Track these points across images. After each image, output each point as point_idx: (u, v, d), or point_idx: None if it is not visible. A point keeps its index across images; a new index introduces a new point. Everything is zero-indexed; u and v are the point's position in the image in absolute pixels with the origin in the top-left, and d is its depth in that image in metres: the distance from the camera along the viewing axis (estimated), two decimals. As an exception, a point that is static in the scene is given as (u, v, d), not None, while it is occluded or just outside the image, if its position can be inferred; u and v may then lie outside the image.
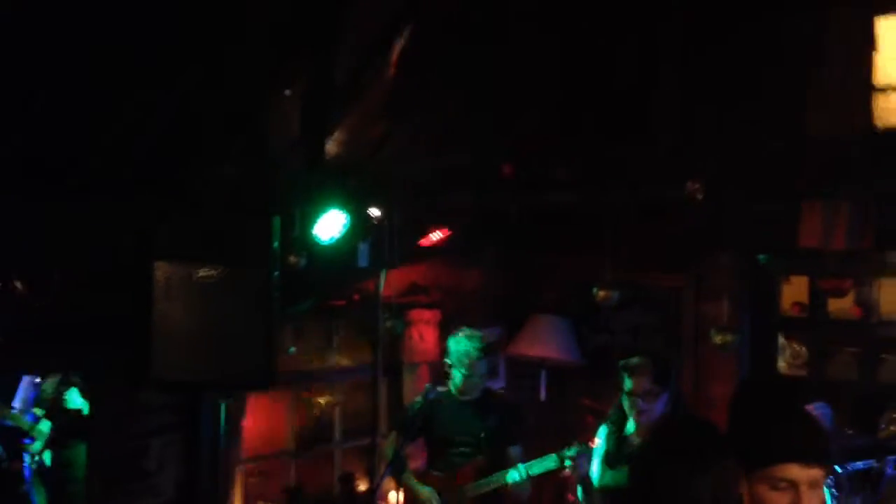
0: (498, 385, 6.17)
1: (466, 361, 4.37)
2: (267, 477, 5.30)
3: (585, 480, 4.01)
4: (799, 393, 5.37)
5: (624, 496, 1.77)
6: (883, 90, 4.81)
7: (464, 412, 4.43)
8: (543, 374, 5.95)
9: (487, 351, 4.56)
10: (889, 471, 3.96)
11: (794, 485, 1.77)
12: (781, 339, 5.74)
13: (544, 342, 5.80)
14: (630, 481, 1.90)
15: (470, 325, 4.65)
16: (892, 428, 5.27)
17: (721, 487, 1.70)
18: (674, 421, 2.00)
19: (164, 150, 3.80)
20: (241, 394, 4.51)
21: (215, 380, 3.90)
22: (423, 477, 4.48)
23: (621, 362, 3.91)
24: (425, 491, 4.41)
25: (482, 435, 4.37)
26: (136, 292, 3.72)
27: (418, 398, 4.54)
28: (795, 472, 1.77)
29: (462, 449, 4.41)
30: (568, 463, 4.12)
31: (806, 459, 1.78)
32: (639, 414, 3.77)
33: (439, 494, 4.38)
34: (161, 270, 3.78)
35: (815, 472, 1.78)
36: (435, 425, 4.44)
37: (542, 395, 5.96)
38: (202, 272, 3.81)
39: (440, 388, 4.48)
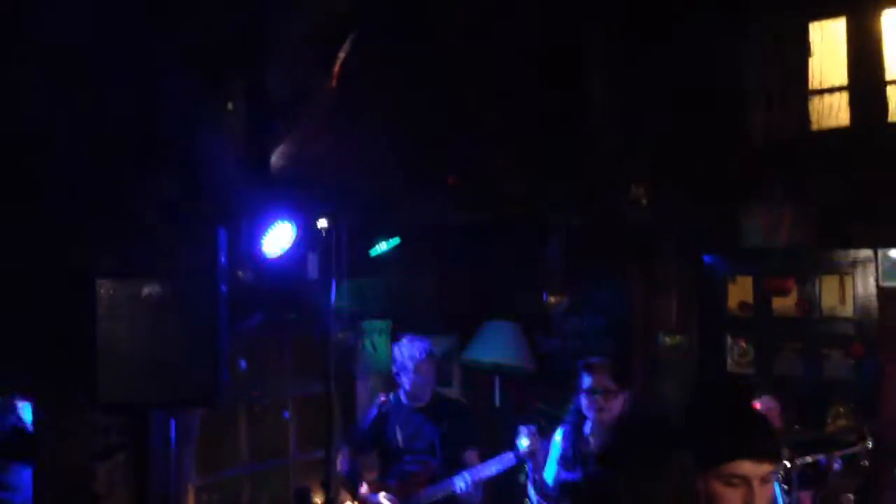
0: (452, 393, 6.19)
1: (412, 365, 4.40)
2: (222, 494, 5.23)
3: (538, 482, 3.99)
4: (748, 392, 5.47)
5: (584, 498, 1.78)
6: (818, 93, 4.95)
7: (415, 419, 4.44)
8: (497, 381, 5.98)
9: (433, 353, 4.57)
10: (836, 465, 4.06)
11: (746, 480, 1.83)
12: (729, 339, 5.84)
13: (497, 348, 5.82)
14: (590, 483, 1.93)
15: (423, 334, 4.66)
16: (838, 422, 5.41)
17: (681, 486, 1.73)
18: (632, 421, 2.02)
19: (103, 167, 3.75)
20: (191, 412, 4.44)
21: (163, 399, 3.84)
22: (377, 487, 4.47)
23: (581, 360, 3.93)
24: (380, 502, 4.39)
25: (435, 441, 4.37)
26: (79, 311, 3.65)
27: (372, 409, 4.53)
28: (748, 468, 1.83)
29: (416, 456, 4.40)
30: (522, 453, 4.02)
31: (758, 456, 1.84)
32: (598, 412, 3.77)
33: None
34: (105, 288, 3.72)
35: (767, 468, 1.84)
36: (387, 435, 4.45)
37: (497, 401, 5.98)
38: (147, 290, 3.75)
39: (391, 398, 4.48)
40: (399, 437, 4.42)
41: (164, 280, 3.75)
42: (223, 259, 3.84)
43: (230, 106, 4.01)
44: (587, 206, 4.09)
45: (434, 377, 4.58)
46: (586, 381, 3.83)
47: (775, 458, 1.88)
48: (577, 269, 5.24)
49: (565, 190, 3.78)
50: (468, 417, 4.65)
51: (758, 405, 4.20)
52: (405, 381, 4.44)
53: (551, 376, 5.72)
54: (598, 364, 3.84)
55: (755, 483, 1.83)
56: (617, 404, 3.76)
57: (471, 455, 4.40)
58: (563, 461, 3.89)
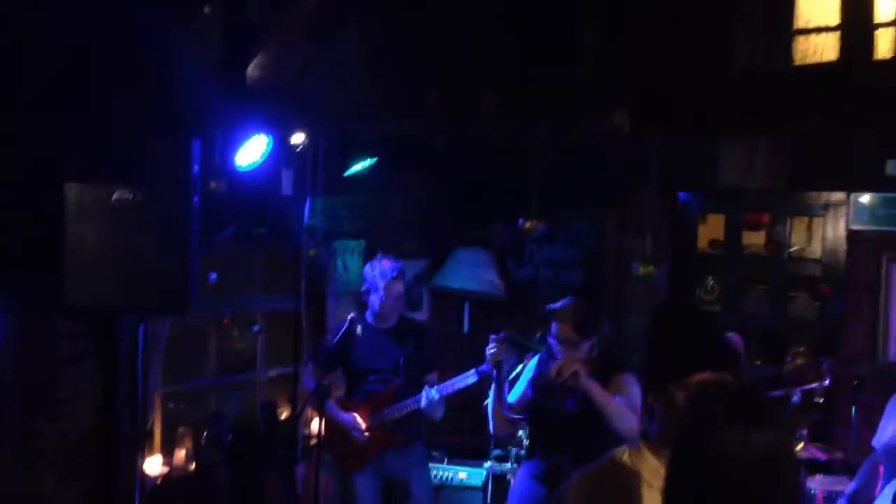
0: (421, 317, 6.22)
1: (381, 283, 4.39)
2: (188, 404, 5.26)
3: (499, 393, 3.88)
4: (715, 321, 5.58)
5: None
6: (804, 32, 4.91)
7: (381, 339, 4.46)
8: (467, 307, 6.02)
9: (403, 274, 4.54)
10: (795, 398, 4.16)
11: None
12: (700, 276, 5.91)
13: (468, 275, 5.85)
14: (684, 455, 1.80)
15: (395, 256, 4.64)
16: (797, 362, 5.54)
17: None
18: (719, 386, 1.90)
19: (76, 71, 3.64)
20: (159, 319, 4.43)
21: (130, 304, 3.82)
22: (343, 405, 4.52)
23: (548, 306, 3.85)
24: (347, 418, 4.44)
25: (400, 361, 4.40)
26: (47, 215, 3.60)
27: (339, 328, 4.53)
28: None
29: (380, 376, 4.44)
30: (487, 361, 3.97)
31: (721, 369, 1.89)
32: (562, 357, 3.69)
33: (360, 421, 4.43)
34: (73, 192, 3.66)
35: None
36: (353, 354, 4.46)
37: (466, 327, 6.03)
38: (117, 194, 3.70)
39: (358, 317, 4.48)
40: (365, 356, 4.45)
41: (135, 186, 3.70)
42: (196, 168, 3.78)
43: (206, 10, 3.88)
44: (567, 133, 4.04)
45: (402, 299, 4.59)
46: (552, 326, 3.75)
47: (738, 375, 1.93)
48: (553, 197, 5.23)
49: (545, 116, 3.72)
50: (432, 340, 4.67)
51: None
52: (374, 300, 4.44)
53: (523, 304, 5.77)
54: (560, 312, 3.73)
55: None
56: (582, 351, 3.68)
57: (432, 377, 4.45)
58: (534, 384, 3.89)
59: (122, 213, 3.68)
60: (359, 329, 4.44)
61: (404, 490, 4.48)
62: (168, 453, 4.81)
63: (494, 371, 3.86)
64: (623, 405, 3.48)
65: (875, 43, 4.36)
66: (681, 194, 5.65)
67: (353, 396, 4.53)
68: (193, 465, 4.79)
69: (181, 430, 4.87)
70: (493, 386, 3.88)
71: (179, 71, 4.08)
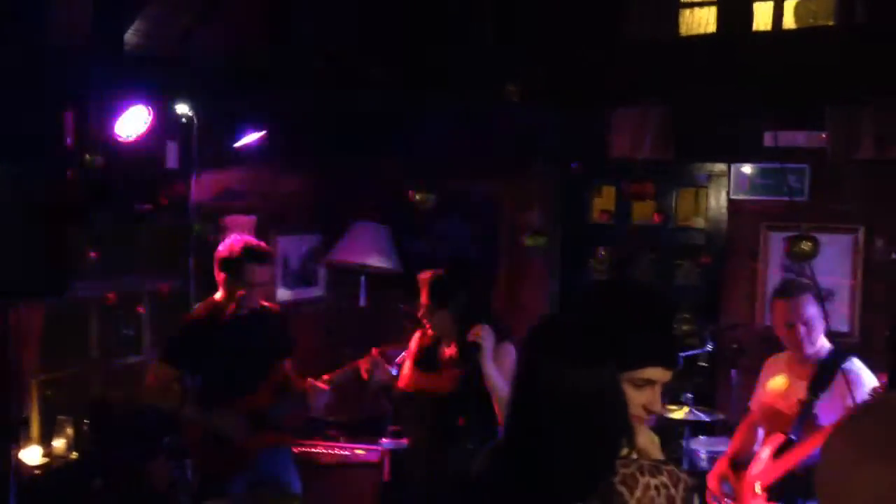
0: (317, 293, 6.13)
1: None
2: (69, 390, 5.01)
3: (388, 385, 3.86)
4: (657, 299, 5.69)
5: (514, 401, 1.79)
6: (688, 5, 5.04)
7: (239, 328, 3.95)
8: (363, 282, 5.96)
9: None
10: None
11: (651, 383, 1.93)
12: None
13: (364, 249, 5.78)
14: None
15: (288, 231, 4.47)
16: (683, 327, 5.74)
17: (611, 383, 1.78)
18: (552, 320, 2.03)
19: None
20: (32, 301, 4.17)
21: (1, 287, 3.60)
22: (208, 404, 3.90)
23: (419, 276, 3.79)
24: (226, 419, 3.89)
25: (266, 349, 4.02)
26: None
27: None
28: (658, 374, 1.94)
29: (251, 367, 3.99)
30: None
31: (669, 365, 1.94)
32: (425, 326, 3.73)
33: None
34: (-68, 167, 3.39)
35: (670, 374, 1.95)
36: (214, 345, 3.92)
37: (362, 301, 5.98)
38: (-18, 169, 3.45)
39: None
40: (225, 347, 4.09)
41: (2, 159, 3.46)
42: (68, 140, 3.57)
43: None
44: (457, 103, 4.02)
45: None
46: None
47: (678, 366, 1.99)
48: (446, 169, 5.21)
49: (435, 88, 3.68)
50: (287, 327, 4.25)
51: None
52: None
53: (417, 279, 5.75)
54: (420, 280, 3.73)
55: (657, 386, 1.94)
56: (438, 319, 3.65)
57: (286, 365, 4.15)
58: (419, 362, 3.81)
59: (-11, 189, 3.45)
60: (215, 315, 3.96)
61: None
62: (47, 443, 4.57)
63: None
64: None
65: (754, 17, 4.52)
66: (572, 164, 5.72)
67: (219, 392, 3.93)
68: (75, 454, 4.57)
69: (60, 417, 4.63)
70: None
71: (48, 37, 3.83)
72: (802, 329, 3.64)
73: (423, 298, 3.68)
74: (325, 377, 3.96)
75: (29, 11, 3.70)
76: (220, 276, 3.97)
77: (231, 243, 3.94)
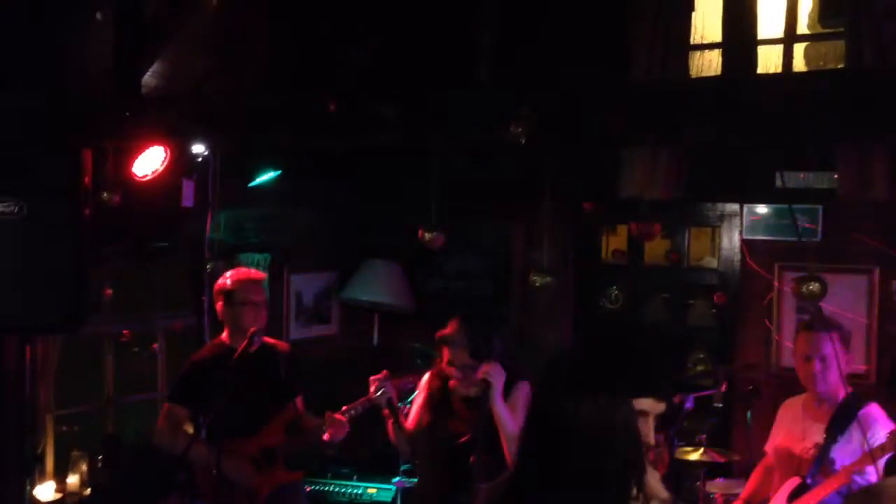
0: (330, 330, 6.15)
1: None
2: (83, 426, 5.05)
3: (395, 415, 3.78)
4: (646, 333, 5.68)
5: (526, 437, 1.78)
6: (699, 48, 5.09)
7: (248, 367, 3.90)
8: (376, 319, 5.98)
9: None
10: (688, 404, 4.25)
11: (644, 414, 1.98)
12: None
13: (377, 287, 5.81)
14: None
15: (302, 269, 4.51)
16: (697, 368, 5.70)
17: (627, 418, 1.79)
18: (566, 355, 2.05)
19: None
20: (49, 337, 4.23)
21: (18, 323, 3.66)
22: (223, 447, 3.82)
23: (437, 335, 3.66)
24: (232, 463, 3.81)
25: (277, 387, 4.03)
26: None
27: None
28: (650, 405, 1.95)
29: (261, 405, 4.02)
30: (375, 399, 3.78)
31: (661, 397, 1.96)
32: (459, 382, 3.60)
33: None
34: (-44, 204, 3.48)
35: (663, 406, 1.97)
36: (222, 385, 3.83)
37: (375, 340, 5.99)
38: (1, 207, 3.53)
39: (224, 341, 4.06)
40: (237, 385, 4.04)
41: (22, 198, 3.54)
42: (86, 179, 3.65)
43: (98, 16, 3.75)
44: (466, 141, 4.05)
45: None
46: (446, 353, 3.62)
47: (669, 398, 2.03)
48: (459, 208, 5.24)
49: (445, 127, 3.72)
50: (299, 362, 4.27)
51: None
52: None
53: (431, 316, 5.74)
54: (451, 338, 3.58)
55: (649, 418, 1.96)
56: (478, 373, 3.51)
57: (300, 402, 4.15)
58: (430, 405, 3.74)
59: (8, 227, 3.53)
60: (225, 354, 3.95)
61: None
62: (61, 479, 4.60)
63: (386, 409, 3.72)
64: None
65: (759, 59, 4.56)
66: (584, 204, 5.74)
67: (231, 433, 3.85)
68: (88, 491, 4.59)
69: (75, 453, 4.66)
70: (389, 423, 3.75)
71: (69, 78, 3.93)
72: (818, 364, 3.62)
73: (462, 355, 3.55)
74: (344, 409, 3.95)
75: (51, 54, 3.81)
76: (218, 307, 4.06)
77: (224, 274, 4.13)
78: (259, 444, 3.99)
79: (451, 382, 3.63)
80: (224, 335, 4.07)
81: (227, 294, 4.02)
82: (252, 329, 3.86)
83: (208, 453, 3.77)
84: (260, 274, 4.22)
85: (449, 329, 3.63)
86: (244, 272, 4.15)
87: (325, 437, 3.90)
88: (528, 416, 1.90)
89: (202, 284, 5.02)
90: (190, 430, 4.03)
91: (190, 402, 3.93)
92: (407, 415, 3.88)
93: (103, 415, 5.05)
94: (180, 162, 4.54)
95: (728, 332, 5.50)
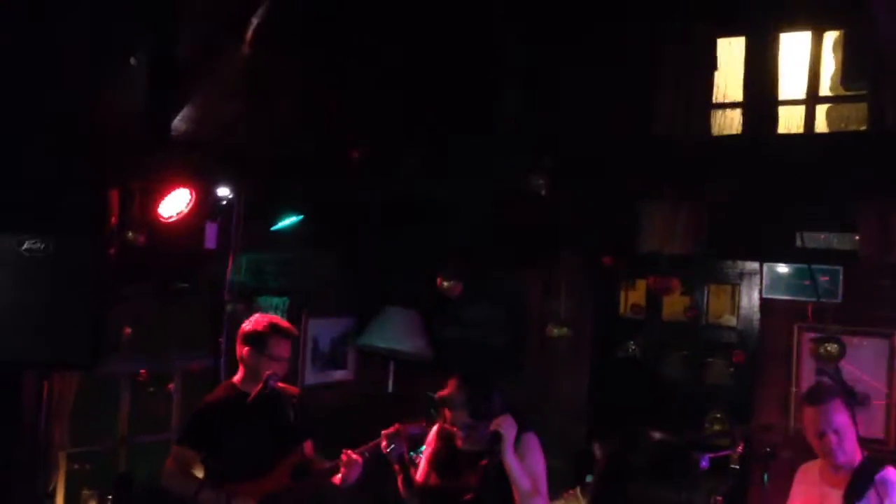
0: (345, 376, 6.14)
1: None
2: (96, 464, 5.04)
3: (405, 471, 3.72)
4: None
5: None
6: (721, 106, 5.13)
7: (257, 410, 3.86)
8: (392, 366, 5.97)
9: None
10: (703, 464, 4.19)
11: None
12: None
13: (395, 334, 5.81)
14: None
15: (319, 314, 4.51)
16: (715, 427, 5.62)
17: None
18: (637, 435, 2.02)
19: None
20: (66, 374, 4.26)
21: (36, 359, 3.69)
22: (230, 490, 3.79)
23: (436, 396, 3.65)
24: None
25: (284, 431, 3.94)
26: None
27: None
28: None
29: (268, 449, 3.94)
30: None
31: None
32: (463, 440, 3.58)
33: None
34: (-19, 239, 3.54)
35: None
36: (232, 427, 3.87)
37: (390, 387, 5.97)
38: (28, 244, 3.59)
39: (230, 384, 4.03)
40: (244, 429, 3.88)
41: (46, 236, 3.60)
42: (112, 219, 3.72)
43: (132, 61, 3.86)
44: (488, 192, 4.10)
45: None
46: (446, 414, 3.61)
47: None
48: (478, 258, 5.26)
49: (467, 178, 3.78)
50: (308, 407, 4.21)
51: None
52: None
53: (448, 364, 5.73)
54: (450, 401, 3.56)
55: None
56: (481, 430, 3.50)
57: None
58: (435, 462, 3.71)
59: (33, 263, 3.58)
60: (230, 397, 3.94)
61: None
62: (71, 516, 4.59)
63: (396, 464, 3.69)
64: (533, 492, 3.40)
65: (782, 119, 4.59)
66: (604, 258, 5.74)
67: (235, 477, 3.84)
68: (97, 529, 4.58)
69: (86, 492, 4.65)
70: (399, 477, 3.71)
71: (101, 120, 4.03)
72: (834, 438, 3.57)
73: (461, 417, 3.55)
74: (360, 449, 3.90)
75: (85, 97, 3.91)
76: (243, 351, 3.99)
77: (256, 319, 4.02)
78: (265, 487, 3.93)
79: (458, 442, 3.61)
80: (237, 378, 4.06)
81: (258, 342, 3.95)
82: (268, 372, 3.88)
83: (217, 497, 3.75)
84: (294, 330, 4.11)
85: (448, 390, 3.61)
86: (280, 324, 4.02)
87: (337, 480, 3.87)
88: (597, 492, 1.86)
89: (221, 326, 5.05)
90: (199, 472, 4.02)
91: (199, 445, 3.90)
92: (417, 465, 3.84)
93: (116, 454, 5.05)
94: (205, 204, 4.61)
95: (746, 392, 5.44)
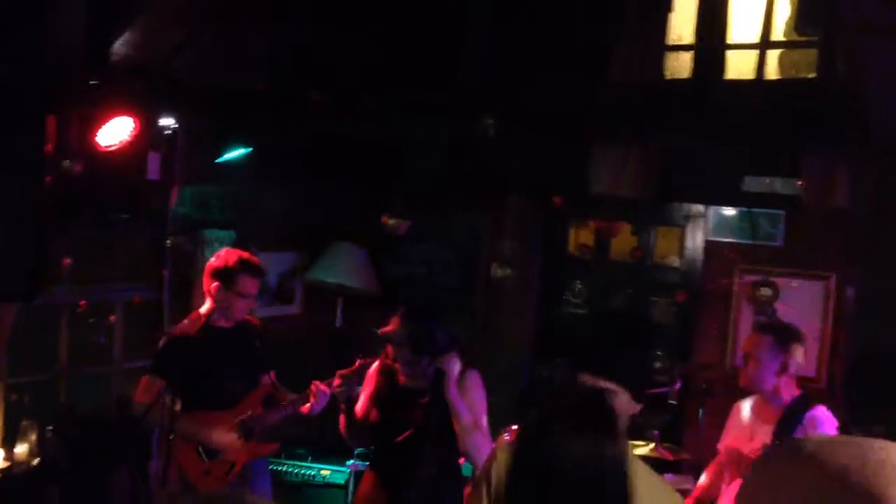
0: (294, 311, 6.12)
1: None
2: (35, 396, 4.97)
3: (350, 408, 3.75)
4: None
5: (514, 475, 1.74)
6: (674, 49, 5.12)
7: (226, 341, 4.01)
8: (340, 302, 5.96)
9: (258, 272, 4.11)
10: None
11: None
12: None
13: (343, 270, 5.78)
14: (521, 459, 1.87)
15: (266, 248, 4.47)
16: (655, 364, 5.77)
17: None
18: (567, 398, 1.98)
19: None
20: (4, 305, 4.15)
21: (-29, 290, 3.60)
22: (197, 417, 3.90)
23: (379, 332, 3.65)
24: (221, 436, 3.92)
25: (253, 361, 4.05)
26: None
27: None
28: (625, 406, 1.98)
29: (239, 379, 4.05)
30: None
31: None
32: (407, 377, 3.62)
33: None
34: None
35: (637, 407, 2.01)
36: (202, 358, 3.92)
37: (339, 321, 5.97)
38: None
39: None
40: (213, 359, 4.00)
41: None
42: (48, 147, 3.58)
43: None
44: (442, 139, 4.04)
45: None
46: (389, 350, 3.63)
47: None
48: (430, 198, 5.23)
49: (421, 120, 3.71)
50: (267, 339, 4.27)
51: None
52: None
53: (395, 302, 5.74)
54: (393, 336, 3.57)
55: (624, 419, 1.98)
56: (423, 365, 3.53)
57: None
58: (377, 399, 3.72)
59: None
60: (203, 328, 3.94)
61: None
62: (10, 448, 4.53)
63: (343, 404, 3.69)
64: (473, 426, 3.45)
65: (734, 64, 4.60)
66: (553, 198, 5.75)
67: (203, 405, 3.92)
68: (37, 460, 4.53)
69: (25, 422, 4.59)
70: (341, 417, 3.72)
71: (35, 42, 3.84)
72: (751, 364, 3.72)
73: (404, 353, 3.56)
74: (335, 382, 3.85)
75: (16, 19, 3.71)
76: (211, 285, 3.97)
77: (226, 255, 4.01)
78: (236, 416, 4.00)
79: (400, 378, 3.63)
80: (204, 309, 4.02)
81: (227, 278, 3.94)
82: (235, 303, 3.91)
83: (193, 426, 3.82)
84: (262, 267, 4.08)
85: (390, 326, 3.61)
86: (250, 261, 3.99)
87: (304, 409, 3.90)
88: (516, 456, 1.85)
89: (164, 258, 4.96)
90: (172, 403, 3.99)
91: (169, 375, 3.84)
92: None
93: (56, 385, 4.98)
94: (147, 134, 4.47)
95: (687, 331, 5.56)
